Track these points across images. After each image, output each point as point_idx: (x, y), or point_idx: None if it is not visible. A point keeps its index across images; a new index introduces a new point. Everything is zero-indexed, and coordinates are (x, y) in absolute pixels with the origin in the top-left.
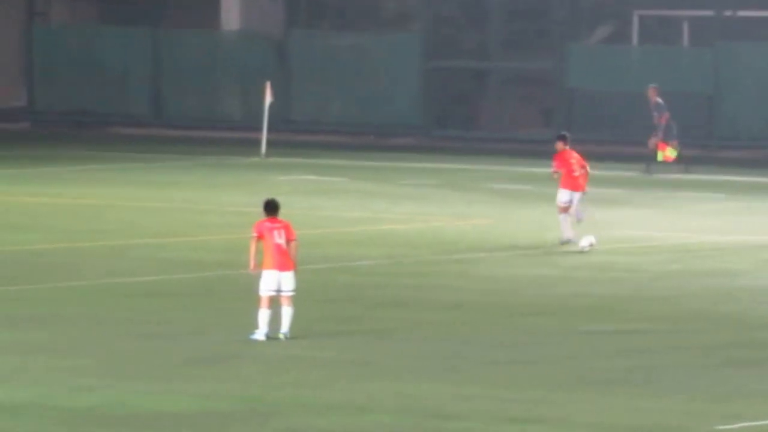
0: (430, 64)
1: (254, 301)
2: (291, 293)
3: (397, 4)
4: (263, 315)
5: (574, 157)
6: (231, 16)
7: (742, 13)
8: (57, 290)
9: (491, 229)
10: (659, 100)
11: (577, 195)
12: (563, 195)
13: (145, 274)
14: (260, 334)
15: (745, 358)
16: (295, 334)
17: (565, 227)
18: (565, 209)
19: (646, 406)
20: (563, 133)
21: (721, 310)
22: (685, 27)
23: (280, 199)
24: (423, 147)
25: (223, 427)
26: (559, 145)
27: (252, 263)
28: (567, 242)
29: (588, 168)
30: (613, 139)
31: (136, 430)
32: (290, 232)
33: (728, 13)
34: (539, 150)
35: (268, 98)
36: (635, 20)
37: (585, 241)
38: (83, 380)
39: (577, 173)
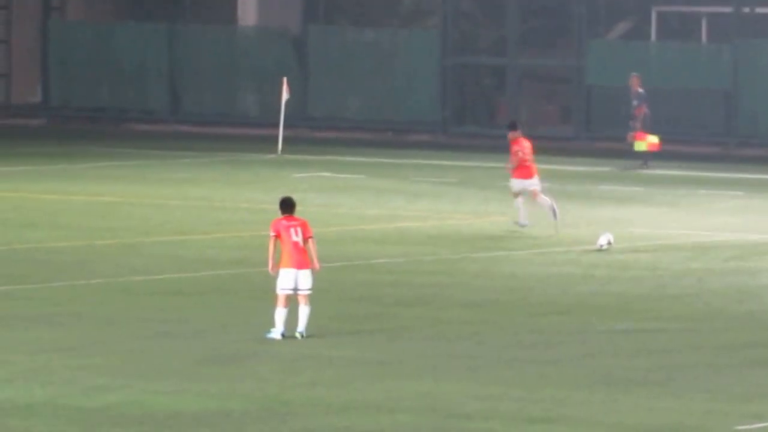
0: (448, 60)
1: (270, 299)
2: (308, 292)
3: (415, 0)
4: (280, 314)
5: (527, 146)
6: (248, 11)
7: (760, 10)
8: (71, 288)
9: (509, 226)
10: (640, 89)
11: (527, 182)
12: (517, 184)
13: (161, 272)
14: (276, 333)
15: (765, 357)
16: (312, 332)
17: (522, 211)
18: (518, 195)
19: (666, 405)
20: (514, 120)
21: (741, 309)
22: (704, 23)
23: (297, 197)
24: (441, 144)
25: (240, 427)
26: (514, 134)
27: (271, 263)
28: (523, 226)
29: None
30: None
31: (152, 429)
32: (307, 230)
33: (747, 9)
34: (557, 147)
35: (285, 95)
36: (654, 16)
37: (603, 239)
38: (98, 380)
39: (528, 162)
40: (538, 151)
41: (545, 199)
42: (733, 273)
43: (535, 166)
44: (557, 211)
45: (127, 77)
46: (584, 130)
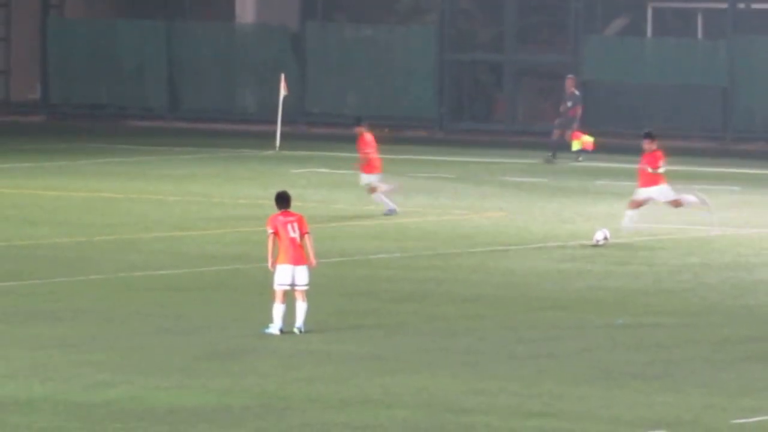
0: (446, 56)
1: (269, 295)
2: (305, 288)
3: None
4: (277, 309)
5: (371, 141)
6: (246, 8)
7: (756, 6)
8: (72, 284)
9: (506, 222)
10: (576, 91)
11: (376, 177)
12: (368, 178)
13: (161, 268)
14: (274, 329)
15: (762, 351)
16: (310, 328)
17: (384, 200)
18: (374, 189)
19: (664, 400)
20: (360, 116)
21: (739, 304)
22: (700, 19)
23: (294, 192)
24: (438, 140)
25: (239, 422)
26: (361, 129)
27: (271, 260)
28: (391, 213)
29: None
30: (628, 131)
31: (152, 424)
32: (303, 225)
33: (742, 5)
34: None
35: (283, 91)
36: (650, 12)
37: (600, 235)
38: (99, 375)
39: (374, 155)
40: (533, 146)
41: (382, 198)
42: (730, 268)
43: (379, 160)
44: (395, 210)
45: (126, 74)
46: (581, 126)
